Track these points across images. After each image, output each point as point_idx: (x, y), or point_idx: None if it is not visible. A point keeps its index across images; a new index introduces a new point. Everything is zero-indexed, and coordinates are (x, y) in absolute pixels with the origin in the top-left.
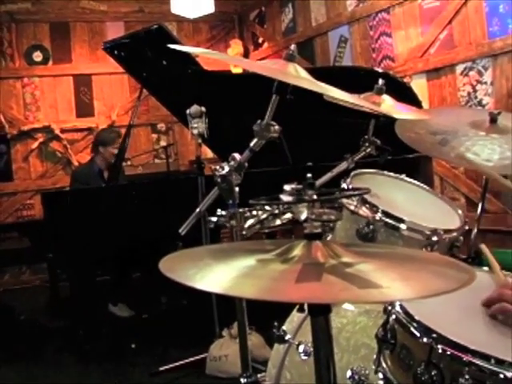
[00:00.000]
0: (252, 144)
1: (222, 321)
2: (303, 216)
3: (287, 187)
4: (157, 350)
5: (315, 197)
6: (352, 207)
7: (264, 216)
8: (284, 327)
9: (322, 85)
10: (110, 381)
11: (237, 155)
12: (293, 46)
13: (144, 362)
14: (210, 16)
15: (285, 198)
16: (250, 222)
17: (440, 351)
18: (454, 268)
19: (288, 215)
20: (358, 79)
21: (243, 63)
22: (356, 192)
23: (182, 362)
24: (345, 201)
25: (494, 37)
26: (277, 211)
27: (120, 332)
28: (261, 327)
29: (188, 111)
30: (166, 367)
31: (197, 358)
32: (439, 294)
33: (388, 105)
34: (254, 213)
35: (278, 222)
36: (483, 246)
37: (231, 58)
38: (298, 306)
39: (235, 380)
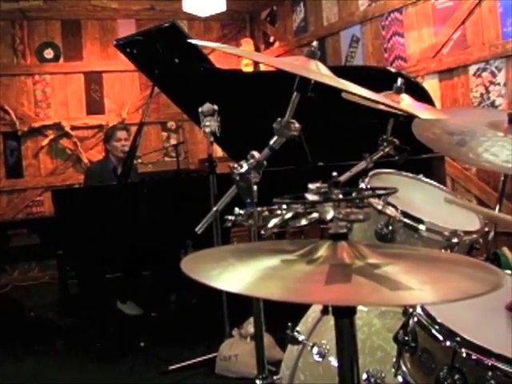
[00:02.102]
0: (272, 142)
1: (232, 320)
2: (330, 215)
3: (312, 186)
4: (166, 348)
5: (341, 196)
6: (380, 207)
7: (289, 215)
8: (298, 328)
9: (345, 82)
10: (118, 379)
11: (256, 153)
12: (315, 43)
13: (153, 361)
14: (222, 15)
15: (310, 196)
16: (274, 221)
17: (464, 355)
18: (482, 270)
19: (314, 215)
20: (370, 79)
21: (266, 59)
22: (384, 192)
23: (191, 362)
24: (371, 200)
25: (507, 37)
26: (301, 211)
27: (129, 330)
28: (271, 327)
29: (200, 109)
30: (175, 366)
31: (206, 357)
32: (471, 296)
33: (406, 104)
34: (278, 212)
35: (304, 221)
36: (505, 249)
37: (254, 54)
38: (322, 308)
39: (245, 380)
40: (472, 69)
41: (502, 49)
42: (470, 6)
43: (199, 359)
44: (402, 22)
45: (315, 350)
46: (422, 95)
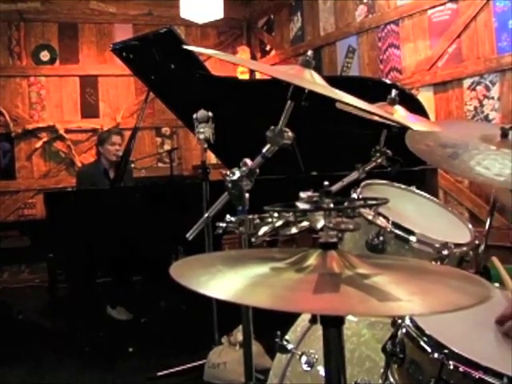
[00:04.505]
0: (264, 150)
1: (222, 328)
2: (320, 224)
3: (303, 194)
4: (155, 354)
5: (332, 205)
6: (370, 217)
7: (279, 223)
8: (287, 337)
9: (339, 92)
10: None
11: (248, 161)
12: (309, 52)
13: (141, 367)
14: (219, 22)
15: (301, 205)
16: (265, 229)
17: (451, 367)
18: (471, 282)
19: (305, 223)
20: (365, 90)
21: (260, 67)
22: (375, 202)
23: (179, 368)
24: (362, 210)
25: (502, 52)
26: (291, 219)
27: (118, 335)
28: (260, 336)
29: (195, 116)
30: (164, 372)
31: (195, 364)
32: (459, 309)
33: (400, 115)
34: (268, 220)
35: (295, 230)
36: (495, 259)
37: (249, 62)
38: (310, 317)
39: None
40: (466, 82)
41: (496, 63)
42: (466, 20)
43: (188, 366)
44: (398, 34)
45: (304, 359)
46: (416, 107)
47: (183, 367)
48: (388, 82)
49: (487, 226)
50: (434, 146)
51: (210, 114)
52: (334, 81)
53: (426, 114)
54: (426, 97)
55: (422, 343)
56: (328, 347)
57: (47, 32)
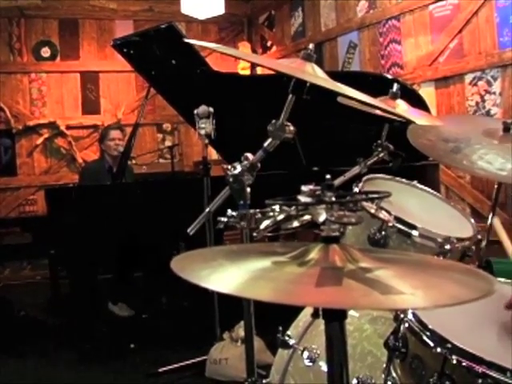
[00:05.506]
0: (266, 144)
1: (223, 323)
2: (322, 218)
3: (305, 188)
4: (156, 350)
5: (334, 198)
6: (373, 210)
7: (281, 217)
8: (289, 332)
9: (341, 85)
10: (107, 380)
11: (249, 155)
12: (311, 46)
13: (143, 363)
14: (220, 17)
15: (303, 199)
16: (266, 223)
17: (454, 362)
18: (474, 276)
19: (307, 217)
20: (366, 85)
21: (262, 61)
22: (378, 195)
23: (181, 364)
24: (365, 204)
25: (504, 47)
26: (293, 213)
27: (119, 331)
28: (262, 331)
29: (196, 111)
30: (165, 368)
31: (197, 360)
32: (463, 302)
33: (402, 109)
34: (270, 214)
35: (296, 223)
36: (496, 221)
37: (249, 55)
38: (312, 311)
39: (235, 383)
40: (468, 77)
41: (498, 58)
42: (467, 15)
43: (189, 362)
44: (400, 30)
45: (305, 354)
46: (417, 102)
47: (184, 363)
48: (389, 76)
49: (489, 221)
50: (436, 141)
51: (211, 109)
52: (335, 76)
53: (428, 109)
54: (427, 92)
55: (425, 338)
56: (330, 342)
57: (48, 28)
